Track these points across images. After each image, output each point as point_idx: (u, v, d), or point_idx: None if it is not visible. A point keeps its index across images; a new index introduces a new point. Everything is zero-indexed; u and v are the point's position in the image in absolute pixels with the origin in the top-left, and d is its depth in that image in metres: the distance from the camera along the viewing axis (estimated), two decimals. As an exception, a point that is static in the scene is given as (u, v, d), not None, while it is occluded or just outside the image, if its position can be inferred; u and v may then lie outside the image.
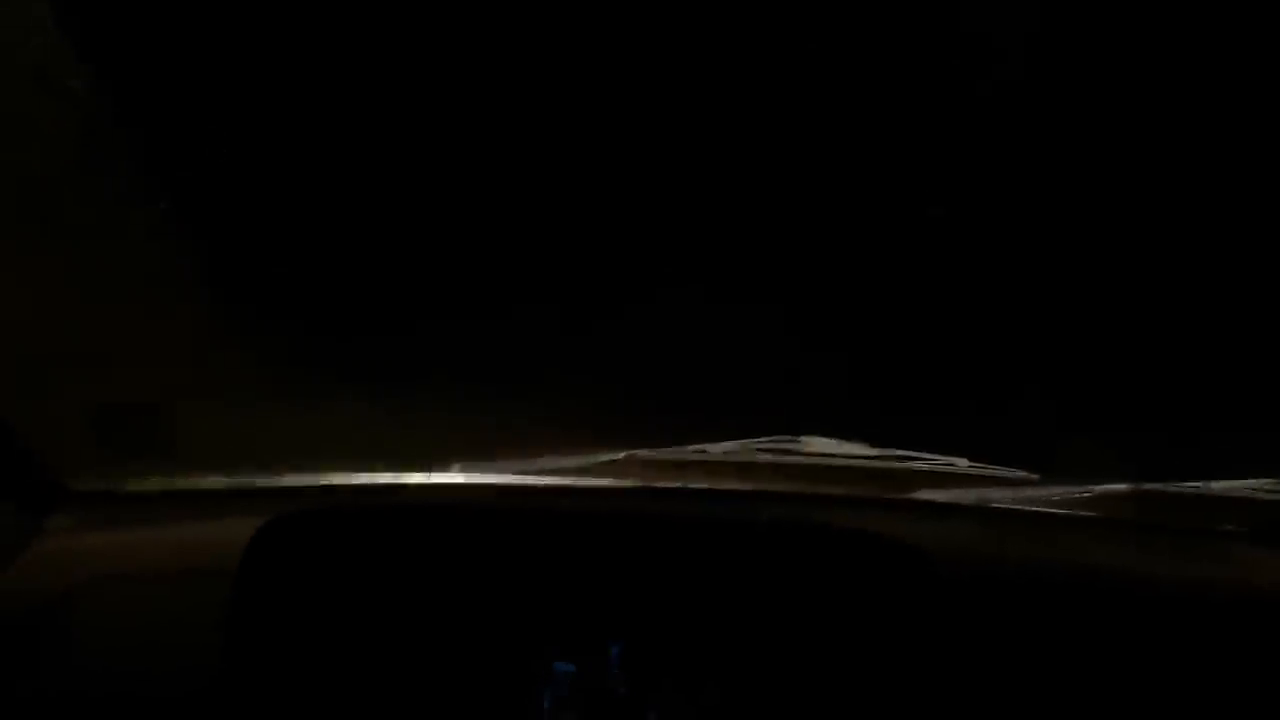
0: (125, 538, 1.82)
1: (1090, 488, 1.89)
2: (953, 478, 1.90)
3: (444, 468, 1.91)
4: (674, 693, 1.76)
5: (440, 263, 1.81)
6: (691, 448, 1.86)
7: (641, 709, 1.75)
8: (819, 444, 1.87)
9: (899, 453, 1.87)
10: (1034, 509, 1.91)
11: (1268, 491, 1.86)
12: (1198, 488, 1.86)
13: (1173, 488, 1.86)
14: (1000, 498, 1.92)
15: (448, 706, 1.74)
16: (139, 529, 1.83)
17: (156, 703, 1.68)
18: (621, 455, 1.88)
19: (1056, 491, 1.90)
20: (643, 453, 1.87)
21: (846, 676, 1.77)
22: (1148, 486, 1.87)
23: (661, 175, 1.71)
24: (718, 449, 1.86)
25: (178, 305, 1.83)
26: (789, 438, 1.86)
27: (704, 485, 1.90)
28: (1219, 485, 1.85)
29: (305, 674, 1.73)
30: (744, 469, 1.89)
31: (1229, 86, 1.68)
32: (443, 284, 1.85)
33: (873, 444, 1.86)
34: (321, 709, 1.73)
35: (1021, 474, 1.89)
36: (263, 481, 1.89)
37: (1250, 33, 1.62)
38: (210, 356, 1.87)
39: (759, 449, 1.87)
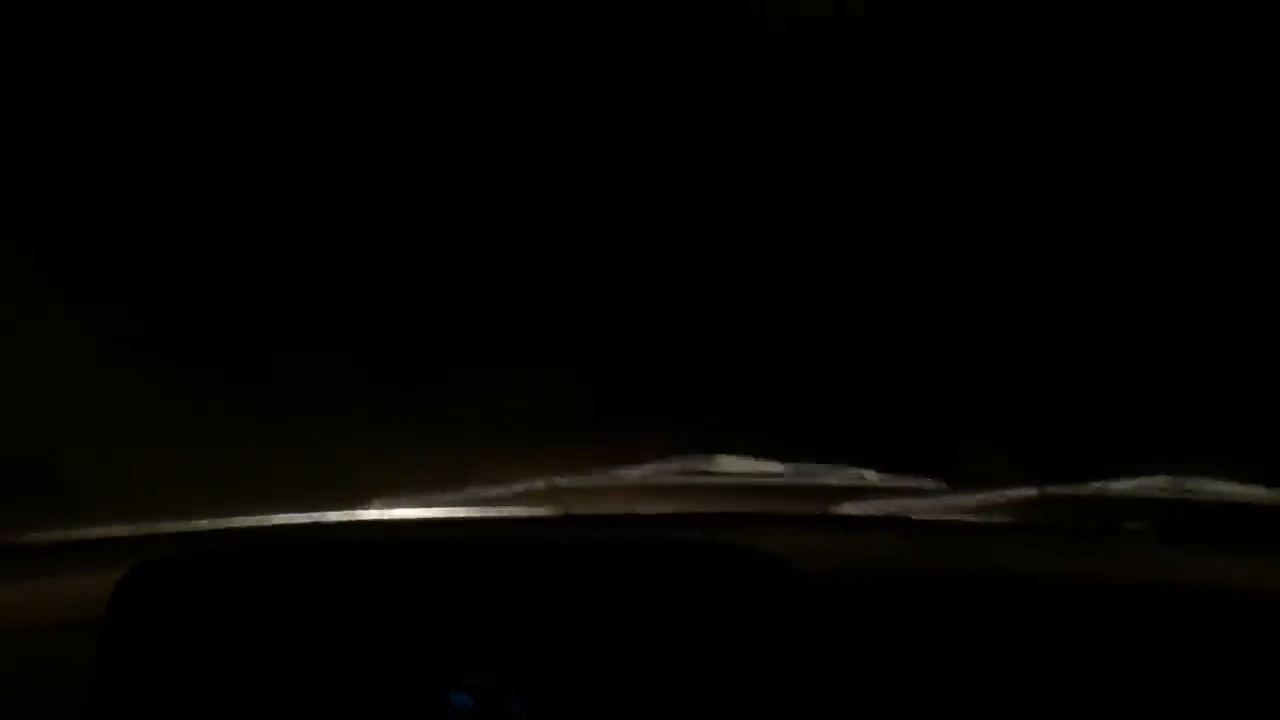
0: (23, 590, 1.74)
1: (1000, 494, 1.93)
2: (866, 490, 1.93)
3: (362, 504, 1.88)
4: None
5: (351, 298, 1.81)
6: (608, 473, 1.87)
7: None
8: (732, 463, 1.90)
9: (811, 468, 1.90)
10: (947, 518, 1.95)
11: (1167, 490, 1.93)
12: (1101, 489, 1.92)
13: (1078, 490, 1.92)
14: (914, 508, 1.95)
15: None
16: (37, 581, 1.76)
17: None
18: (541, 483, 1.87)
19: (968, 500, 1.94)
20: (561, 480, 1.88)
21: (751, 701, 1.74)
22: (1053, 490, 1.92)
23: (586, 213, 1.74)
24: (633, 473, 1.87)
25: (71, 350, 1.79)
26: (703, 457, 1.88)
27: (622, 510, 1.90)
28: (1121, 485, 1.91)
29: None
30: (661, 492, 1.90)
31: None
32: (356, 319, 1.84)
33: (786, 460, 1.88)
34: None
35: (932, 484, 1.92)
36: (169, 527, 1.83)
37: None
38: (110, 400, 1.83)
39: (674, 472, 1.88)
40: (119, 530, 1.82)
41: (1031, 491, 1.91)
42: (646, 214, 1.86)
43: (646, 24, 1.69)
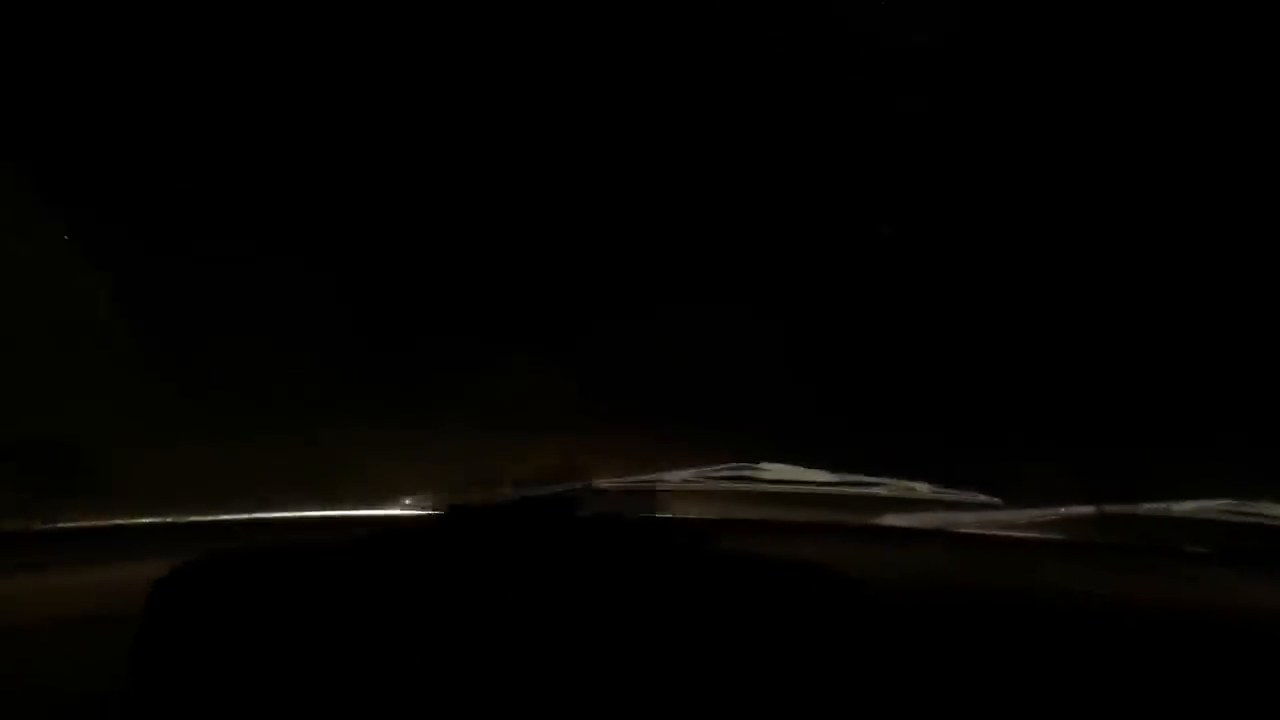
0: (48, 578, 1.70)
1: (1054, 511, 1.87)
2: (916, 503, 1.87)
3: (391, 501, 1.82)
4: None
5: (383, 292, 1.77)
6: (650, 476, 1.81)
7: None
8: (778, 470, 1.84)
9: (860, 478, 1.84)
10: (998, 533, 1.89)
11: (1229, 513, 1.86)
12: (1161, 509, 1.85)
13: (1136, 509, 1.85)
14: (964, 522, 1.89)
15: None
16: (63, 569, 1.71)
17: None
18: (580, 485, 1.82)
19: (1020, 515, 1.88)
20: (602, 482, 1.82)
21: (785, 708, 1.68)
22: (1111, 509, 1.86)
23: (610, 205, 1.69)
24: (676, 477, 1.81)
25: (101, 339, 1.75)
26: (748, 464, 1.83)
27: (664, 514, 1.84)
28: (1181, 507, 1.85)
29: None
30: (704, 497, 1.84)
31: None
32: (385, 315, 1.80)
33: (834, 469, 1.83)
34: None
35: (985, 498, 1.86)
36: (196, 517, 1.78)
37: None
38: (138, 392, 1.78)
39: (718, 476, 1.83)
40: (148, 520, 1.78)
41: (1087, 509, 1.85)
42: (695, 215, 1.82)
43: (648, 18, 1.65)
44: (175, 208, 1.86)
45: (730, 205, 1.88)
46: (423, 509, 1.83)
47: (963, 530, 1.89)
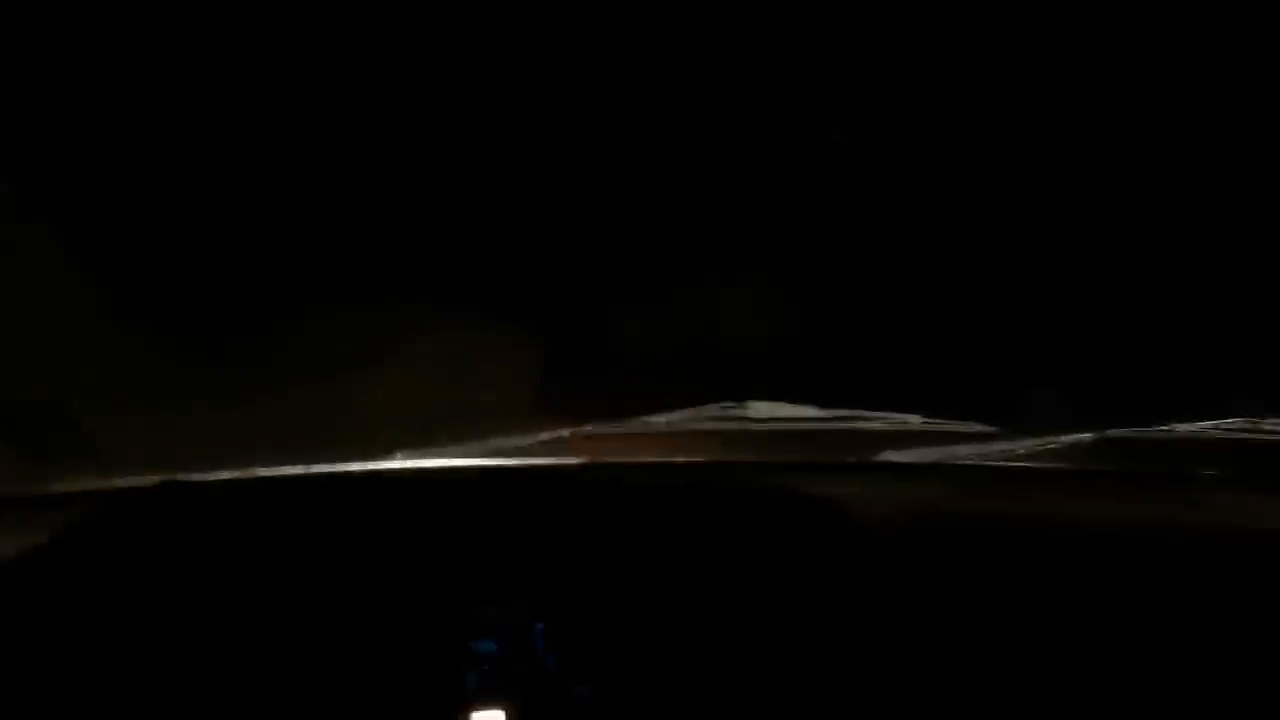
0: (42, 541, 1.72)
1: (1055, 439, 1.82)
2: (911, 436, 1.82)
3: (385, 455, 1.82)
4: (603, 668, 1.63)
5: (359, 242, 1.76)
6: (637, 420, 1.79)
7: (569, 685, 1.62)
8: (768, 408, 1.81)
9: (852, 413, 1.80)
10: (999, 464, 1.83)
11: (1241, 431, 1.79)
12: (1166, 431, 1.79)
13: (1140, 433, 1.79)
14: (964, 455, 1.84)
15: (365, 693, 1.60)
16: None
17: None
18: (567, 432, 1.80)
19: (1021, 445, 1.83)
20: (588, 428, 1.81)
21: (786, 646, 1.65)
22: (1113, 433, 1.80)
23: (611, 152, 1.67)
24: (663, 420, 1.79)
25: (85, 302, 1.77)
26: (737, 404, 1.80)
27: (653, 459, 1.82)
28: (1186, 428, 1.78)
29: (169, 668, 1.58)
30: (693, 439, 1.82)
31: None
32: (365, 266, 1.80)
33: (825, 406, 1.79)
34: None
35: (982, 428, 1.81)
36: (187, 477, 1.79)
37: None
38: (126, 353, 1.80)
39: (707, 418, 1.80)
40: (146, 480, 1.79)
41: (1089, 436, 1.79)
42: (685, 163, 1.79)
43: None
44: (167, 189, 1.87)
45: (716, 153, 1.83)
46: (413, 463, 1.83)
47: (964, 463, 1.84)
